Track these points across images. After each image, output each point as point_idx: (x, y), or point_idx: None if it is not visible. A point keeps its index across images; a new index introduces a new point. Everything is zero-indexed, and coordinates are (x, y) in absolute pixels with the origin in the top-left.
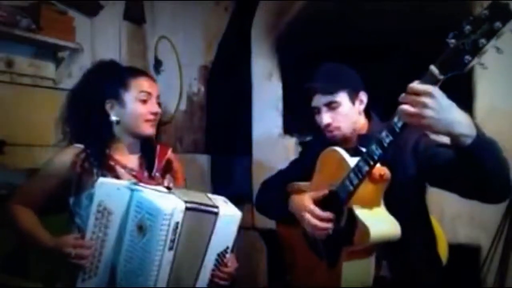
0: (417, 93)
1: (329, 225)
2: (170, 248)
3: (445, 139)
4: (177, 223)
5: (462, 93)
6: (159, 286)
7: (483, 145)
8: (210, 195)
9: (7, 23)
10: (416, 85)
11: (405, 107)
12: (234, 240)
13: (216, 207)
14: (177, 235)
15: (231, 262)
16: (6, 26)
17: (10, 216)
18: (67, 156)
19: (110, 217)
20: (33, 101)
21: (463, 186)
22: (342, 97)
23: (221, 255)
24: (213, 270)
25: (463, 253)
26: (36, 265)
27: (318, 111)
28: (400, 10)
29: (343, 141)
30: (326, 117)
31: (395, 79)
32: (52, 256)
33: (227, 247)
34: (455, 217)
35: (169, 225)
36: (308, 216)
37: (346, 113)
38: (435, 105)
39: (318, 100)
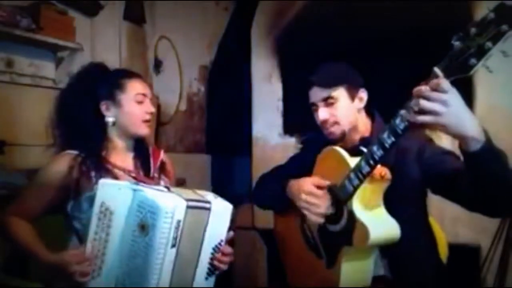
0: (436, 91)
1: (324, 204)
2: (173, 246)
3: (450, 146)
4: (179, 221)
5: (461, 93)
6: (161, 284)
7: (492, 152)
8: (198, 191)
9: (7, 23)
10: (437, 82)
11: (424, 102)
12: (227, 232)
13: (209, 202)
14: (179, 233)
15: (228, 249)
16: (6, 26)
17: (6, 229)
18: (62, 163)
19: (112, 217)
20: (33, 101)
21: (466, 195)
22: (340, 93)
23: (216, 249)
24: (210, 259)
25: (463, 253)
26: (36, 265)
27: (316, 108)
28: (400, 10)
29: (343, 141)
30: (323, 113)
31: (394, 78)
32: (52, 269)
33: (221, 240)
34: (455, 218)
35: (171, 223)
36: (305, 196)
37: (344, 109)
38: (453, 103)
39: (315, 94)
